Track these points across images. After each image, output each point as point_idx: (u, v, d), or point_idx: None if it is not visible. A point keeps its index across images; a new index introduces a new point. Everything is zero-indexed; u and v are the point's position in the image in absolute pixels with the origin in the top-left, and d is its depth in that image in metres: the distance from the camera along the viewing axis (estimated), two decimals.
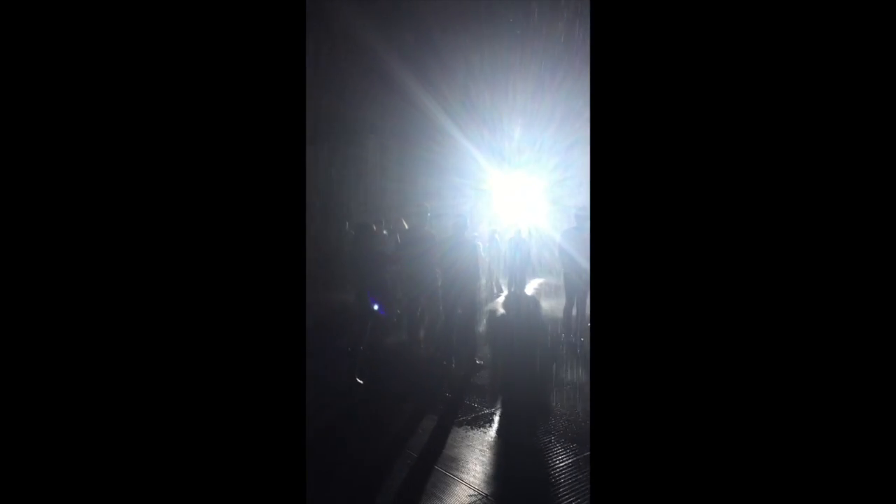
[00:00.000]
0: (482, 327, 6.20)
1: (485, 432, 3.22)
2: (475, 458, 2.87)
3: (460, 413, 3.52)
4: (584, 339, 5.36)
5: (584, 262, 5.19)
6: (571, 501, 2.43)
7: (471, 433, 3.20)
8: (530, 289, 9.92)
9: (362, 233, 3.92)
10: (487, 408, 3.63)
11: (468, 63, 11.88)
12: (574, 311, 5.53)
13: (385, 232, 4.51)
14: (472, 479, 2.64)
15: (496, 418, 3.45)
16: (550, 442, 3.10)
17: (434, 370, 4.45)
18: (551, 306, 7.93)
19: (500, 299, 8.23)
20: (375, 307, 3.95)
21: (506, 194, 12.88)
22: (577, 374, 4.43)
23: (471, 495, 2.47)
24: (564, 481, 2.63)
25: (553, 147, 12.48)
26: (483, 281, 7.37)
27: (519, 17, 11.53)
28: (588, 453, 2.84)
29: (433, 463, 2.81)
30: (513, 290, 8.28)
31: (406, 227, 4.65)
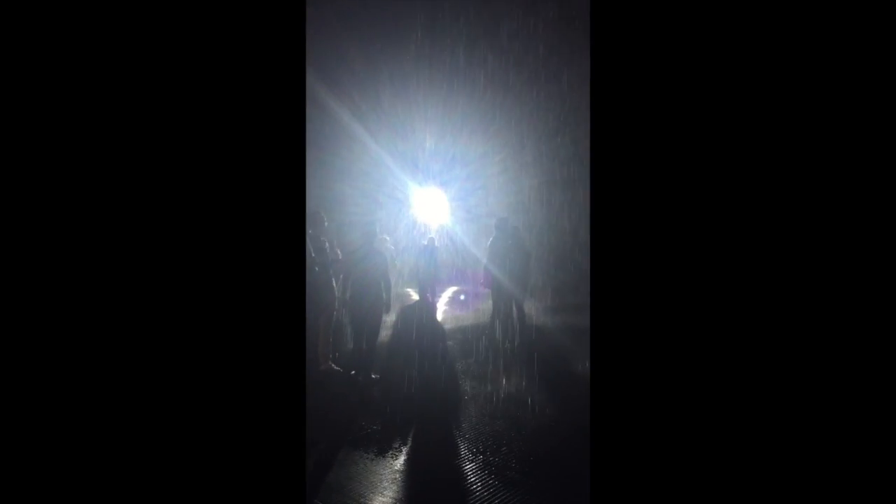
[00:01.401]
0: (386, 338, 5.90)
1: (391, 460, 2.92)
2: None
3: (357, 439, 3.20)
4: (517, 342, 5.30)
5: (503, 271, 5.27)
6: None
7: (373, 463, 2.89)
8: (444, 297, 9.82)
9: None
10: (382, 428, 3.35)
11: (377, 71, 11.66)
12: (510, 315, 5.48)
13: None
14: None
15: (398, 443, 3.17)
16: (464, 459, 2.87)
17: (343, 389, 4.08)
18: (466, 315, 7.84)
19: (409, 304, 7.98)
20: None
21: (420, 203, 12.78)
22: (502, 382, 4.28)
23: None
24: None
25: (464, 157, 12.61)
26: (395, 291, 7.15)
27: (426, 26, 11.54)
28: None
29: None
30: (430, 298, 8.09)
31: (310, 233, 4.27)
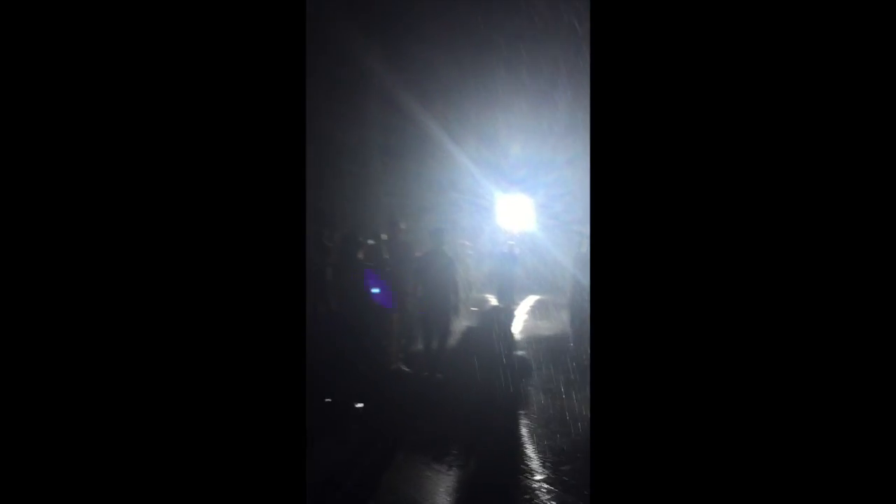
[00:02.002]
0: (456, 341, 5.88)
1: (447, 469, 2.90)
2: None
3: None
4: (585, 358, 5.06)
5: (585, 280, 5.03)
6: None
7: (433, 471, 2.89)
8: (524, 305, 9.62)
9: (347, 244, 3.72)
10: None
11: (464, 80, 11.78)
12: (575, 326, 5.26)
13: (371, 242, 4.29)
14: None
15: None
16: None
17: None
18: (545, 324, 7.61)
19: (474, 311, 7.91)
20: (375, 290, 3.83)
21: (504, 210, 12.67)
22: (569, 394, 4.09)
23: None
24: None
25: (551, 163, 12.30)
26: (461, 295, 7.17)
27: (516, 34, 11.45)
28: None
29: None
30: (502, 305, 8.00)
31: (385, 238, 4.43)
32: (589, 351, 5.17)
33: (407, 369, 4.59)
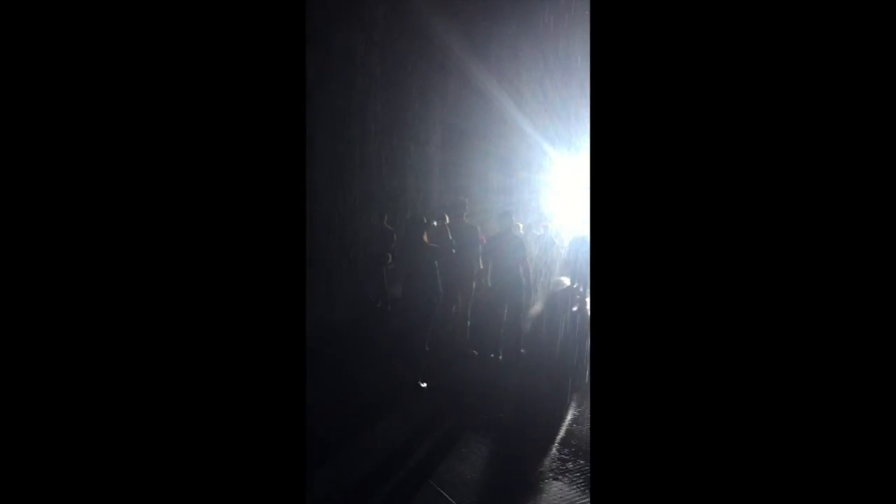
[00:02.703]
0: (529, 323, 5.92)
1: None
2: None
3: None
4: None
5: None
6: None
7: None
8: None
9: (413, 226, 3.89)
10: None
11: (545, 56, 11.43)
12: None
13: (435, 223, 4.44)
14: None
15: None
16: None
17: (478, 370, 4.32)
18: None
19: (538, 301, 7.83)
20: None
21: (578, 191, 12.28)
22: None
23: None
24: None
25: None
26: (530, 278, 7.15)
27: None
28: None
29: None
30: (576, 286, 7.85)
31: (447, 220, 4.52)
32: None
33: (474, 352, 4.73)
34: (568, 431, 3.25)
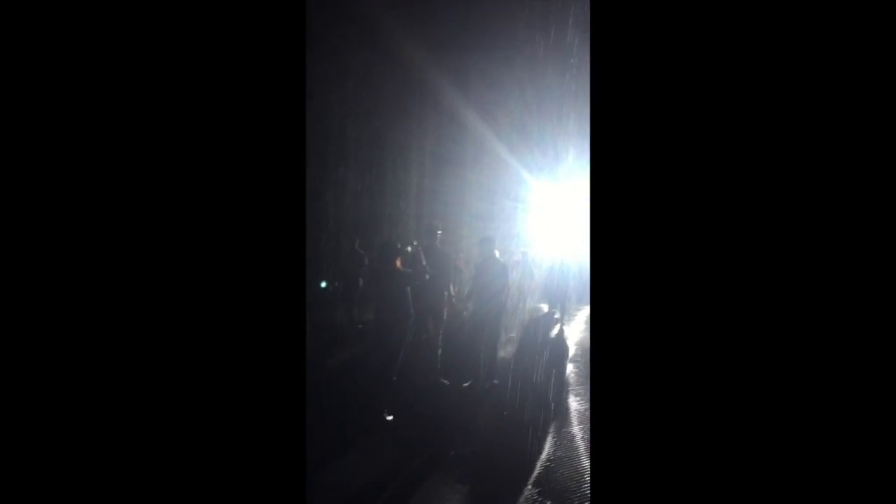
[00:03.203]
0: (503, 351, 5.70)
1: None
2: None
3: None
4: None
5: None
6: None
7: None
8: (581, 316, 9.24)
9: (386, 250, 3.73)
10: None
11: (522, 88, 11.60)
12: None
13: (409, 249, 4.26)
14: None
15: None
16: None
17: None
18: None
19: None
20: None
21: (556, 218, 12.29)
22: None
23: None
24: None
25: None
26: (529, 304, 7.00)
27: (573, 42, 11.12)
28: None
29: None
30: (554, 312, 7.71)
31: (413, 245, 4.36)
32: None
33: (445, 381, 4.49)
34: (542, 471, 3.02)
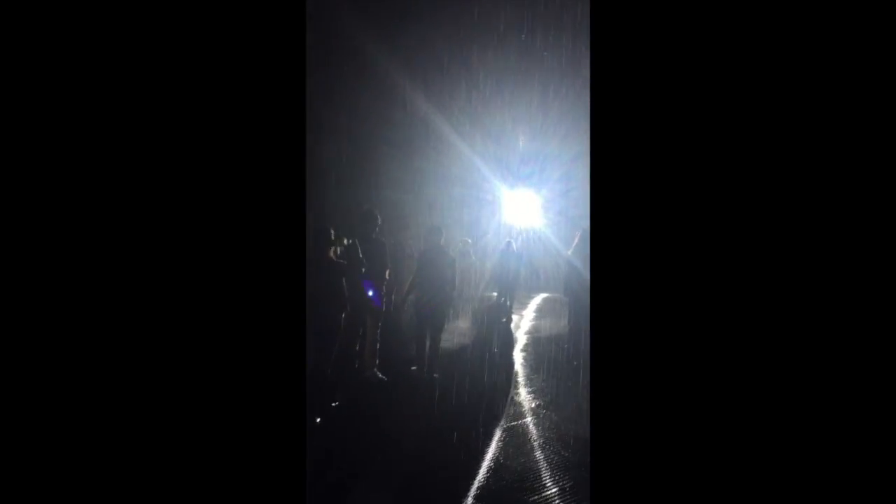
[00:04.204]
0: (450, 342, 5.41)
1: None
2: None
3: None
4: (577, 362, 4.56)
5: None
6: None
7: None
8: (531, 304, 9.12)
9: (318, 239, 3.37)
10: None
11: (471, 73, 11.29)
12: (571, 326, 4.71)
13: (346, 240, 3.86)
14: None
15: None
16: None
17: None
18: (547, 323, 7.09)
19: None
20: (370, 293, 3.75)
21: (511, 206, 12.16)
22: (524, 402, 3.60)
23: None
24: None
25: (557, 158, 11.75)
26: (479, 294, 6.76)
27: (523, 28, 10.92)
28: None
29: None
30: (503, 301, 7.52)
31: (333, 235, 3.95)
32: (584, 352, 4.70)
33: (382, 377, 4.12)
34: (489, 471, 2.72)
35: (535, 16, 10.97)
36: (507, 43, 11.28)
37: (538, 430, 3.27)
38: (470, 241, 8.46)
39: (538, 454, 2.92)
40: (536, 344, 5.87)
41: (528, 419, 3.47)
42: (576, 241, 4.83)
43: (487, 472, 2.68)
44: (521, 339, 6.20)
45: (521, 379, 4.45)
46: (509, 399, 3.87)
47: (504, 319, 7.08)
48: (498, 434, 3.18)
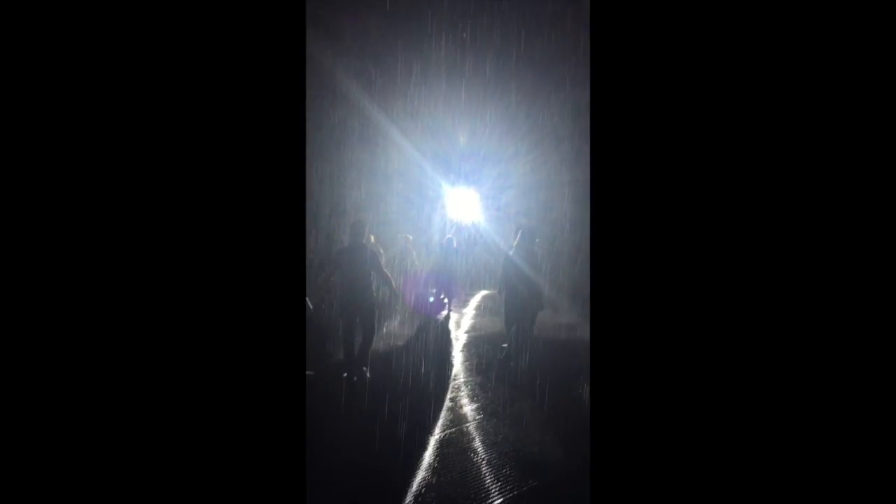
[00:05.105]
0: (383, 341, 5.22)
1: None
2: None
3: None
4: (523, 361, 4.51)
5: (532, 275, 4.62)
6: None
7: None
8: (472, 301, 9.08)
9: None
10: None
11: (408, 70, 11.05)
12: (521, 328, 4.63)
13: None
14: None
15: None
16: None
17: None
18: (488, 322, 7.06)
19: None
20: (431, 299, 3.65)
21: (452, 202, 12.09)
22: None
23: None
24: None
25: (496, 156, 11.81)
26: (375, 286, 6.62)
27: (460, 23, 10.82)
28: None
29: None
30: (442, 298, 7.40)
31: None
32: (514, 353, 4.69)
33: (310, 372, 3.95)
34: (423, 481, 2.57)
35: (474, 14, 10.90)
36: (447, 40, 11.14)
37: (478, 437, 3.16)
38: (411, 237, 8.26)
39: (478, 464, 2.80)
40: (476, 344, 5.80)
41: (468, 425, 3.35)
42: (517, 238, 4.77)
43: (421, 485, 2.53)
44: (461, 338, 6.11)
45: (460, 381, 4.34)
46: (445, 405, 3.74)
47: (441, 318, 6.96)
48: (433, 440, 3.04)
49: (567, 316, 7.52)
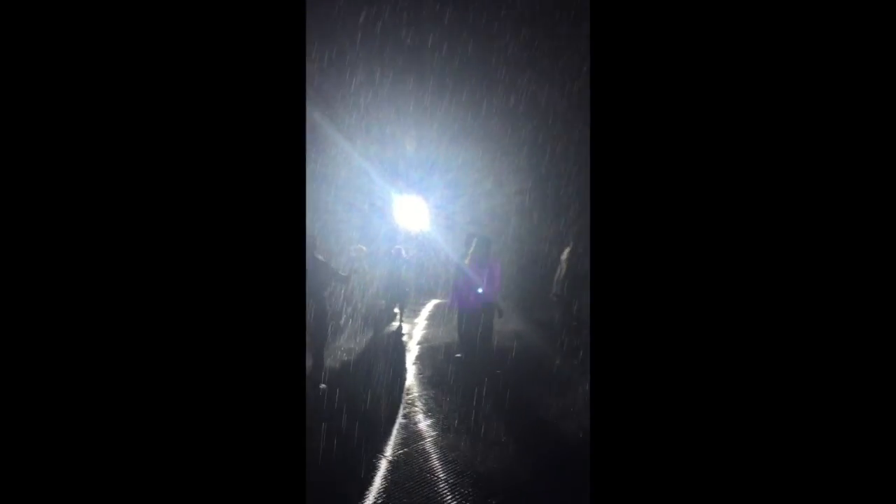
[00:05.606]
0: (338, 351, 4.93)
1: None
2: None
3: None
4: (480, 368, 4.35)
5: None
6: None
7: None
8: (423, 311, 8.88)
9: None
10: None
11: (353, 76, 10.80)
12: (474, 334, 4.49)
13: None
14: None
15: None
16: None
17: None
18: (440, 331, 6.88)
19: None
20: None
21: (400, 212, 11.87)
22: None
23: None
24: None
25: (446, 165, 11.76)
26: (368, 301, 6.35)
27: (403, 30, 10.72)
28: None
29: None
30: (395, 309, 7.19)
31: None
32: (466, 362, 4.57)
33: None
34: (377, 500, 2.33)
35: (420, 19, 10.84)
36: (387, 45, 11.00)
37: (434, 456, 2.96)
38: (365, 248, 7.97)
39: (434, 484, 2.60)
40: (429, 354, 5.60)
41: (423, 443, 3.14)
42: (472, 247, 4.66)
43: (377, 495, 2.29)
44: (413, 349, 5.89)
45: (414, 394, 4.12)
46: (397, 423, 3.50)
47: (393, 329, 6.72)
48: (384, 464, 2.80)
49: (514, 323, 7.49)
